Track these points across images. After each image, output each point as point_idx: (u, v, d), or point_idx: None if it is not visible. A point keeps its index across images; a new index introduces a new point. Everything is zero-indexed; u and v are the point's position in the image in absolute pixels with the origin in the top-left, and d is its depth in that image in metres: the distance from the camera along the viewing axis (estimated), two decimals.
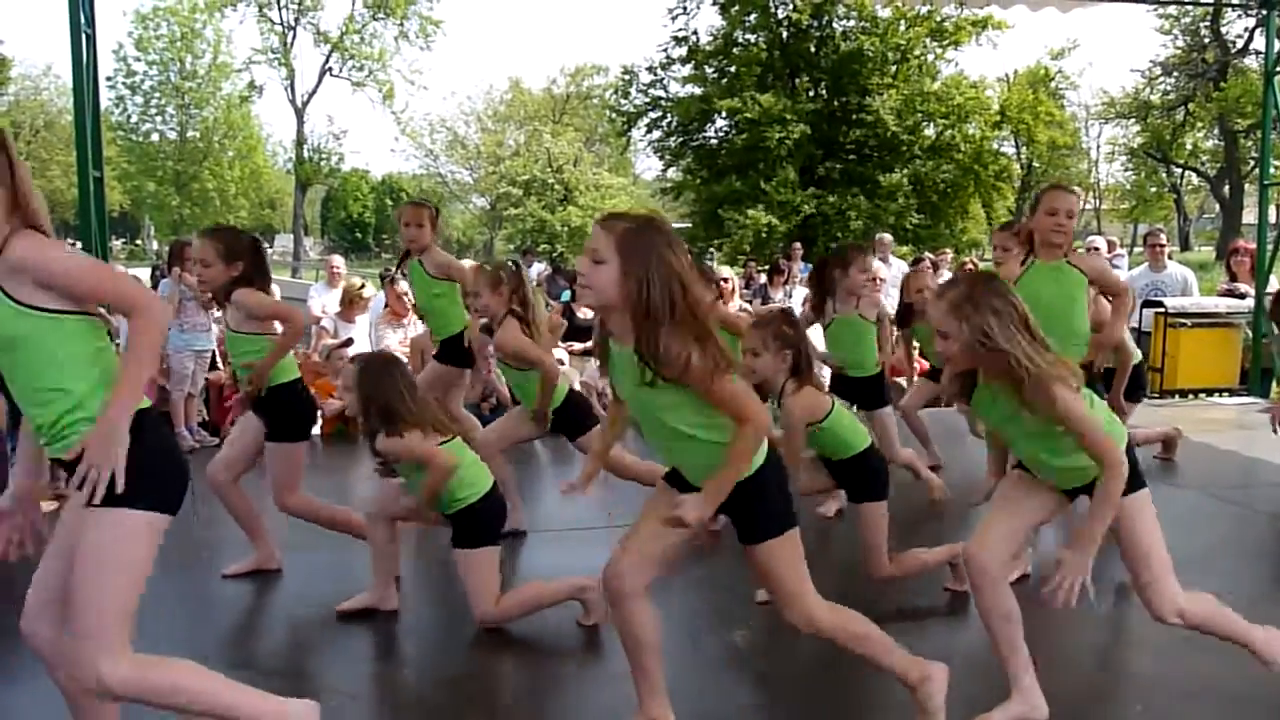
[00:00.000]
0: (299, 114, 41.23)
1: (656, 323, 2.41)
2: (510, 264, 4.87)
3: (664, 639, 3.67)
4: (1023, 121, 32.21)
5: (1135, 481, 2.77)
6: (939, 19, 27.42)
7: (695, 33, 28.73)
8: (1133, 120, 39.69)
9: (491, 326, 4.72)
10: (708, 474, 2.56)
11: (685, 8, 28.19)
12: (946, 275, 10.91)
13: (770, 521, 2.65)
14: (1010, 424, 2.78)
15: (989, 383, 2.75)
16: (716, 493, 2.50)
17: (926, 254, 12.49)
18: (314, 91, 41.17)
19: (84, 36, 6.73)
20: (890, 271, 10.51)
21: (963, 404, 2.93)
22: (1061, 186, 4.25)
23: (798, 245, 15.64)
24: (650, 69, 30.04)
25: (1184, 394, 9.02)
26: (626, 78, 31.21)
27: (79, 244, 7.67)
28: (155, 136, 41.22)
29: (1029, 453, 2.86)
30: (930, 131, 28.05)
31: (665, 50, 29.34)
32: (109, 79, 37.20)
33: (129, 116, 39.96)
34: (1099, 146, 46.68)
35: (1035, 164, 39.74)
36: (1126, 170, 42.93)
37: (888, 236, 12.77)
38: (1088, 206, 42.35)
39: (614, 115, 32.80)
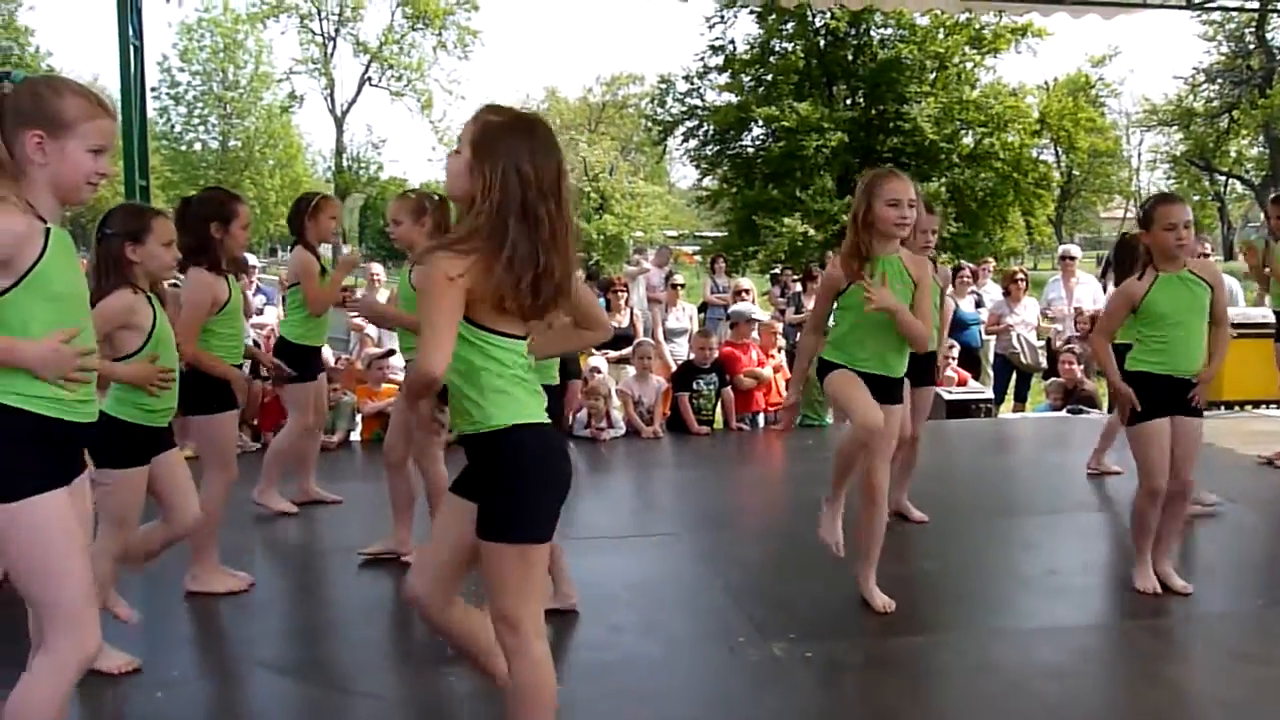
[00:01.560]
0: (338, 123, 41.79)
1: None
2: (435, 196, 4.49)
3: (701, 649, 3.69)
4: (1063, 129, 31.88)
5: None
6: (978, 26, 27.22)
7: (732, 41, 28.71)
8: (1175, 128, 39.18)
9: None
10: (463, 419, 2.33)
11: (723, 16, 28.17)
12: (990, 285, 10.81)
13: (497, 515, 2.28)
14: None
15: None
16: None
17: (965, 263, 12.34)
18: (353, 101, 41.77)
19: (132, 49, 6.86)
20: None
21: None
22: (1174, 198, 4.15)
23: (833, 254, 15.55)
24: (687, 78, 30.07)
25: (1229, 405, 8.88)
26: (663, 86, 31.28)
27: None
28: (198, 146, 41.82)
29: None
30: (969, 140, 27.81)
31: (702, 59, 29.36)
32: (153, 89, 37.80)
33: (172, 126, 40.57)
34: (1140, 154, 46.20)
35: (1076, 172, 39.34)
36: (1169, 178, 42.35)
37: None
38: (1128, 215, 41.82)
39: (650, 124, 32.87)
